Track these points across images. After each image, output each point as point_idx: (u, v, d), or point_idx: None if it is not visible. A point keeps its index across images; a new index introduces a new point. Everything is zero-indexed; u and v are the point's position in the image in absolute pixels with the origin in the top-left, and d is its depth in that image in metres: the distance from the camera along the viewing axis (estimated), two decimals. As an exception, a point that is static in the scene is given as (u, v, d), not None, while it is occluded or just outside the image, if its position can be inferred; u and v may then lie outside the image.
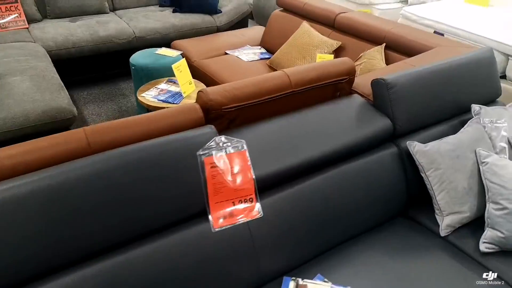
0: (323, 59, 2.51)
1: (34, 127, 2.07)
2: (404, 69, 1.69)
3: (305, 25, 2.68)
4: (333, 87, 1.57)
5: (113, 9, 3.76)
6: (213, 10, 3.71)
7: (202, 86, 2.61)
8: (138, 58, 2.79)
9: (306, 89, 1.48)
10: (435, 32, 2.93)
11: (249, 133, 1.32)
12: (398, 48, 2.24)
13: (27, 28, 3.18)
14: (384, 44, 2.28)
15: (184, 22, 3.53)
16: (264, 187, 1.25)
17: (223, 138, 1.16)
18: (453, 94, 1.65)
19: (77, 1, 3.41)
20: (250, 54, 2.93)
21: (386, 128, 1.52)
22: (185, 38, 3.40)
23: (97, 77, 3.43)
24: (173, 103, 2.41)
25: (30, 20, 3.26)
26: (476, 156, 1.47)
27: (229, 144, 1.17)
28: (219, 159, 1.15)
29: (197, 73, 2.87)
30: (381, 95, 1.54)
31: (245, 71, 2.69)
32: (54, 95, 2.20)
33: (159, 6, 3.86)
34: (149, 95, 2.48)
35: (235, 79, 2.60)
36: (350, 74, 1.59)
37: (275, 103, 1.44)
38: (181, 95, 2.47)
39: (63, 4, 3.37)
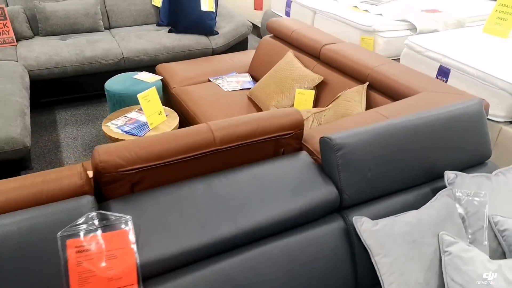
0: (302, 95, 2.27)
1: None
2: (370, 121, 1.43)
3: (289, 55, 2.45)
4: (273, 143, 1.34)
5: (109, 27, 3.68)
6: (209, 31, 3.55)
7: (175, 116, 2.43)
8: (113, 82, 2.65)
9: (235, 147, 1.25)
10: (440, 67, 2.62)
11: (152, 201, 1.11)
12: (382, 89, 1.97)
13: (15, 45, 3.14)
14: (367, 83, 2.02)
15: (177, 43, 3.39)
16: (156, 273, 1.03)
17: (98, 213, 0.96)
18: (425, 157, 1.38)
19: (69, 19, 3.34)
20: (233, 82, 2.73)
21: (332, 198, 1.26)
22: (177, 61, 3.27)
23: (85, 98, 3.34)
24: (136, 135, 2.24)
25: (21, 38, 3.22)
26: (438, 242, 1.19)
27: (106, 221, 0.96)
28: (90, 240, 0.95)
29: (174, 101, 2.70)
30: (328, 157, 1.29)
31: (221, 103, 2.48)
32: (8, 123, 2.08)
33: (157, 26, 3.75)
34: (115, 125, 2.32)
35: (210, 111, 2.43)
36: (296, 128, 1.35)
37: (197, 163, 1.22)
38: (148, 127, 2.30)
39: (55, 21, 3.31)
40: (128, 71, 3.23)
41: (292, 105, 2.31)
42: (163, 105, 2.78)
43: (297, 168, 1.30)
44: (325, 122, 1.84)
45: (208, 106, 2.45)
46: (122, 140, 2.21)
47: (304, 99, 2.28)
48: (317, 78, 2.26)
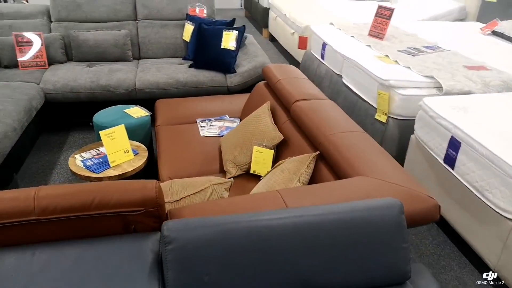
0: (261, 153, 2.05)
1: None
2: (257, 206, 1.19)
3: (264, 106, 2.25)
4: (118, 219, 1.18)
5: (139, 57, 3.85)
6: (227, 69, 3.50)
7: (143, 156, 2.37)
8: (101, 114, 2.71)
9: (62, 218, 1.12)
10: (451, 139, 2.19)
11: None
12: (329, 162, 1.68)
13: (46, 68, 3.43)
14: (317, 153, 1.73)
15: (191, 79, 3.39)
16: None
17: None
18: (302, 269, 1.09)
19: (98, 48, 3.56)
20: (215, 127, 2.60)
21: (153, 299, 1.05)
22: (189, 96, 3.25)
23: (100, 122, 3.49)
24: (93, 172, 2.23)
25: (54, 62, 3.51)
26: None
27: None
28: None
29: (155, 138, 2.66)
30: (160, 249, 1.08)
31: (187, 148, 2.37)
32: (-19, 145, 2.23)
33: (182, 59, 3.81)
34: (82, 157, 2.35)
35: (172, 156, 2.33)
36: (147, 206, 1.17)
37: (20, 229, 1.11)
38: (109, 165, 2.28)
39: (86, 49, 3.56)
40: (139, 103, 3.31)
41: (250, 163, 2.09)
42: (149, 141, 2.78)
43: (127, 255, 1.12)
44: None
45: (173, 151, 2.35)
46: (81, 175, 2.21)
47: (262, 158, 2.05)
48: (278, 137, 2.03)
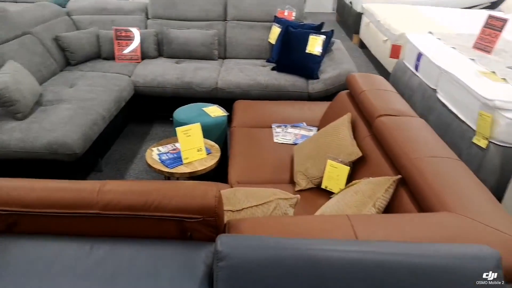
0: (335, 168, 1.90)
1: (35, 154, 2.31)
2: (326, 233, 1.08)
3: (345, 118, 2.09)
4: (175, 224, 1.14)
5: (224, 57, 3.90)
6: (309, 74, 3.38)
7: (216, 156, 2.37)
8: (181, 111, 2.77)
9: (121, 216, 1.11)
10: None
11: (7, 251, 1.07)
12: (412, 190, 1.48)
13: (139, 62, 3.63)
14: (399, 176, 1.54)
15: (272, 82, 3.33)
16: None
17: None
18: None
19: (187, 45, 3.68)
20: (290, 134, 2.50)
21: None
22: (268, 100, 3.21)
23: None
24: (166, 166, 2.27)
25: (147, 56, 3.71)
26: None
27: None
28: None
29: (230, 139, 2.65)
30: (212, 264, 1.02)
31: (259, 154, 2.31)
32: (72, 129, 2.40)
33: (266, 61, 3.78)
34: (159, 151, 2.42)
35: (242, 159, 2.28)
36: (205, 215, 1.12)
37: (83, 221, 1.13)
38: (182, 161, 2.31)
39: (176, 46, 3.69)
40: (219, 102, 3.34)
41: (322, 177, 1.96)
42: (224, 141, 2.77)
43: (180, 262, 1.07)
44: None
45: (244, 155, 2.31)
46: (155, 168, 2.27)
47: (336, 174, 1.90)
48: (355, 154, 1.86)
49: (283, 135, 2.51)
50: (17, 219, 1.11)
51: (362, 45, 6.00)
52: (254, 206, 1.37)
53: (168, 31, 3.69)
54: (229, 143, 2.59)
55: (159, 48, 3.81)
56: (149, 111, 3.60)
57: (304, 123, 2.67)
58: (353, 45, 6.17)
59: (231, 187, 2.07)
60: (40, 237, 1.12)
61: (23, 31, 3.12)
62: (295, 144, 2.40)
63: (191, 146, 2.34)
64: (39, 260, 1.06)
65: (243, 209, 1.37)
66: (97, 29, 3.69)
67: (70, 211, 1.10)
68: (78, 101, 2.72)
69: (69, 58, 3.47)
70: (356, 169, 1.89)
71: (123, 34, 3.60)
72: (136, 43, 3.63)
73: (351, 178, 1.89)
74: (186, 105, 2.86)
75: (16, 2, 6.49)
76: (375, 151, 1.84)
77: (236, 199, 1.41)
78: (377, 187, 1.51)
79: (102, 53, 3.63)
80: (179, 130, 2.30)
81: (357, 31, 6.13)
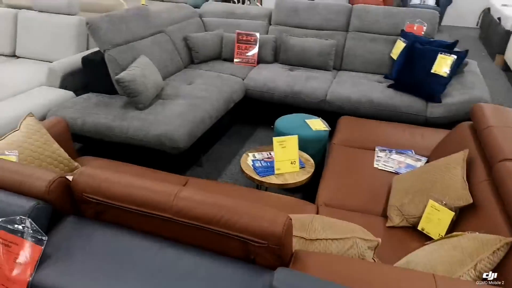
0: (437, 211, 1.66)
1: (146, 143, 2.53)
2: None
3: (460, 155, 1.81)
4: (240, 244, 1.11)
5: (339, 68, 3.77)
6: (430, 96, 3.05)
7: (308, 171, 2.30)
8: (283, 120, 2.76)
9: (191, 225, 1.13)
10: None
11: (95, 236, 1.18)
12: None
13: (254, 66, 3.73)
14: (514, 240, 1.26)
15: (385, 100, 3.10)
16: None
17: (27, 221, 1.12)
18: None
19: (303, 54, 3.65)
20: (393, 161, 2.28)
21: None
22: (379, 119, 3.01)
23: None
24: (257, 174, 2.28)
25: (263, 61, 3.80)
26: None
27: (29, 230, 1.11)
28: (10, 239, 1.12)
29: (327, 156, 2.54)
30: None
31: (353, 176, 2.16)
32: (181, 124, 2.57)
33: (384, 77, 3.53)
34: (254, 157, 2.44)
35: (337, 177, 2.15)
36: (270, 241, 1.07)
37: (157, 222, 1.18)
38: (274, 171, 2.29)
39: (292, 53, 3.70)
40: (325, 114, 3.25)
41: (420, 217, 1.73)
42: (321, 157, 2.67)
43: (238, 286, 1.04)
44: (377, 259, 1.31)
45: (338, 175, 2.18)
46: (247, 174, 2.30)
47: (437, 217, 1.66)
48: (465, 199, 1.60)
49: (385, 160, 2.30)
50: (104, 208, 1.22)
51: (506, 68, 5.23)
52: (330, 239, 1.27)
53: (287, 38, 3.71)
54: (326, 160, 2.48)
55: (275, 54, 3.86)
56: (255, 114, 3.68)
57: (413, 151, 2.42)
58: (495, 67, 5.42)
59: (317, 207, 1.98)
60: (120, 229, 1.21)
61: (159, 29, 3.46)
62: (397, 173, 2.18)
63: (285, 157, 2.31)
64: (114, 251, 1.14)
65: (317, 239, 1.28)
66: (222, 31, 3.90)
67: (147, 210, 1.16)
68: (192, 98, 2.91)
69: (193, 57, 3.74)
70: (462, 218, 1.62)
71: (244, 38, 3.74)
72: (255, 47, 3.74)
73: (454, 226, 1.63)
74: (289, 115, 2.83)
75: (163, 1, 7.30)
76: (491, 200, 1.55)
77: (313, 227, 1.33)
78: (484, 246, 1.26)
79: (223, 54, 3.84)
80: (275, 140, 2.29)
81: (502, 51, 5.36)
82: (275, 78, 3.42)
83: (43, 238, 1.10)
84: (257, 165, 2.36)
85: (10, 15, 3.75)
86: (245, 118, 3.72)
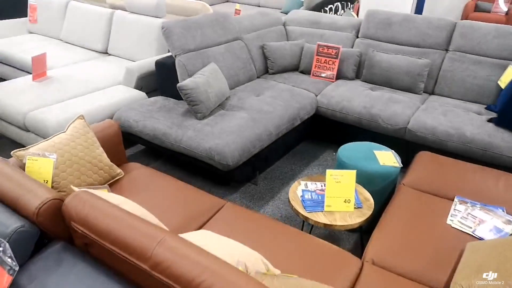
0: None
1: (197, 155, 2.43)
2: None
3: None
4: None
5: (432, 92, 3.28)
6: (544, 140, 2.44)
7: (365, 214, 1.97)
8: (348, 148, 2.43)
9: (165, 283, 0.95)
10: None
11: (72, 272, 1.06)
12: None
13: (333, 81, 3.43)
14: None
15: (481, 137, 2.57)
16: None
17: (6, 245, 1.04)
18: None
19: (389, 72, 3.24)
20: (473, 219, 1.82)
21: None
22: (466, 159, 2.54)
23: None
24: (303, 207, 2.02)
25: (343, 77, 3.47)
26: None
27: (4, 256, 1.04)
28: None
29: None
30: None
31: (418, 230, 1.76)
32: (237, 139, 2.42)
33: (485, 108, 2.96)
34: (306, 186, 2.19)
35: (396, 228, 1.80)
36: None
37: (136, 270, 1.03)
38: (323, 207, 2.01)
39: (376, 71, 3.31)
40: (404, 145, 2.84)
41: (491, 310, 1.31)
42: (386, 198, 2.30)
43: None
44: None
45: (399, 225, 1.81)
46: (293, 205, 2.06)
47: (515, 316, 1.23)
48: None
49: (463, 216, 1.86)
50: (90, 241, 1.10)
51: None
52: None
53: (373, 53, 3.34)
54: (389, 203, 2.11)
55: (358, 70, 3.51)
56: (326, 133, 3.38)
57: (505, 209, 1.92)
58: None
59: (362, 263, 1.65)
60: (102, 270, 1.08)
61: (235, 36, 3.37)
62: (475, 236, 1.73)
63: (339, 194, 2.01)
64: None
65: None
66: (303, 41, 3.68)
67: (125, 255, 1.01)
68: (254, 112, 2.74)
69: (268, 67, 3.58)
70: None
71: (325, 50, 3.47)
72: (335, 61, 3.43)
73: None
74: (356, 142, 2.49)
75: (259, 6, 7.30)
76: None
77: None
78: None
79: (301, 66, 3.61)
80: (329, 173, 2.00)
81: None
82: (352, 97, 3.08)
83: (15, 267, 1.02)
84: (306, 196, 2.10)
85: (107, 14, 4.00)
86: (316, 136, 3.44)
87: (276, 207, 2.64)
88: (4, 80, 3.56)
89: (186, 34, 2.93)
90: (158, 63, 3.03)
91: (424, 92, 3.27)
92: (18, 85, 3.11)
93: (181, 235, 1.08)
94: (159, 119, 2.65)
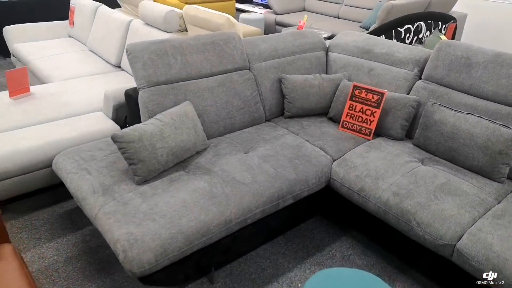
0: None
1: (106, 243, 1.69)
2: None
3: None
4: None
5: (524, 182, 2.04)
6: None
7: None
8: (325, 278, 1.45)
9: None
10: None
11: None
12: None
13: (368, 139, 2.39)
14: None
15: None
16: None
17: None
18: None
19: (453, 140, 2.09)
20: None
21: None
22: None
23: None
24: None
25: (385, 134, 2.41)
26: None
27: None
28: None
29: None
30: None
31: None
32: (162, 230, 1.62)
33: None
34: None
35: None
36: None
37: None
38: None
39: (433, 136, 2.17)
40: (455, 271, 1.73)
41: None
42: None
43: None
44: None
45: None
46: None
47: None
48: None
49: None
50: None
51: None
52: None
53: (435, 107, 2.22)
54: None
55: (411, 127, 2.41)
56: (344, 212, 2.37)
57: None
58: None
59: None
60: None
61: (240, 65, 2.54)
62: None
63: None
64: None
65: None
66: (342, 76, 2.69)
67: None
68: (219, 182, 1.91)
69: (285, 108, 2.67)
70: None
71: (362, 94, 2.44)
72: (376, 111, 2.39)
73: None
74: (341, 269, 1.49)
75: (338, 18, 6.28)
76: None
77: None
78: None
79: (331, 111, 2.63)
80: None
81: None
82: (384, 172, 2.04)
83: None
84: None
85: (125, 24, 3.49)
86: (327, 213, 2.45)
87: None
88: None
89: (157, 61, 2.20)
90: (127, 94, 2.37)
91: (508, 179, 2.06)
92: (-11, 100, 2.75)
93: None
94: (91, 175, 1.97)
